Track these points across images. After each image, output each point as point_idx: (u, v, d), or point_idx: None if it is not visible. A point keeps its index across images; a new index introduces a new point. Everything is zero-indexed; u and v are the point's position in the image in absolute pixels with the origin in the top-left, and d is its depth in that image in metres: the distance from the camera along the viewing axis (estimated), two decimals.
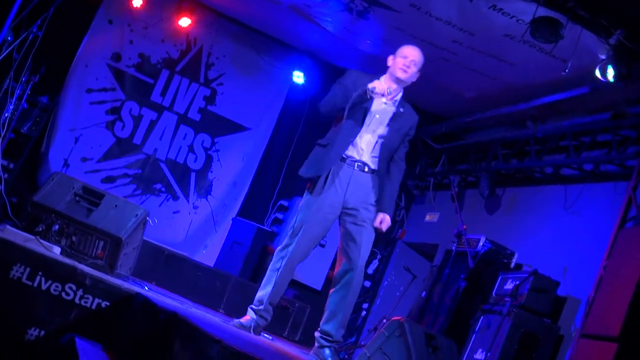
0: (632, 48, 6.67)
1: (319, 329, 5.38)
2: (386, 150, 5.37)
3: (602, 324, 6.13)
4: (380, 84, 5.26)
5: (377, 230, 5.38)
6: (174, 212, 10.55)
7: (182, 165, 10.65)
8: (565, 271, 7.71)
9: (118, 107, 10.32)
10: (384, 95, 5.23)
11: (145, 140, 10.45)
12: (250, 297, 8.19)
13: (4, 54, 7.31)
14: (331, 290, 5.40)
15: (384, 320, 9.13)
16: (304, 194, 5.44)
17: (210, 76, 10.75)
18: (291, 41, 10.70)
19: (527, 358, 6.91)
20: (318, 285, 10.68)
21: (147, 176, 10.45)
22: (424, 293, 8.79)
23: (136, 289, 4.58)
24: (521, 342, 6.96)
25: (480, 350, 7.21)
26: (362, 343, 10.18)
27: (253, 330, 5.29)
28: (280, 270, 5.32)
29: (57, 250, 5.06)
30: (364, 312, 11.41)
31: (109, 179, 10.24)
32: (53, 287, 4.17)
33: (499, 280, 7.71)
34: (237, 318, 5.41)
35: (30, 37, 7.65)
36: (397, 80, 5.36)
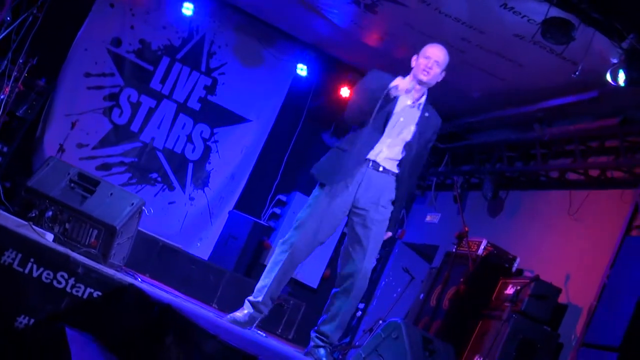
0: None
1: (316, 328, 5.37)
2: (408, 155, 5.27)
3: (603, 333, 6.14)
4: (403, 82, 5.12)
5: None
6: (169, 203, 10.54)
7: (180, 155, 10.64)
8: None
9: (116, 94, 10.31)
10: (408, 92, 5.12)
11: (142, 128, 10.44)
12: (245, 293, 8.18)
13: (3, 34, 7.30)
14: (333, 291, 5.36)
15: (380, 322, 9.14)
16: (316, 188, 5.36)
17: (212, 65, 10.74)
18: (296, 33, 10.68)
19: None
20: (314, 283, 10.69)
21: (144, 165, 10.45)
22: (422, 295, 8.78)
23: (129, 279, 4.57)
24: (519, 349, 6.96)
25: (477, 355, 7.22)
26: (357, 344, 10.18)
27: (248, 324, 5.27)
28: (282, 263, 5.25)
29: (50, 237, 5.05)
30: (359, 312, 11.40)
31: (104, 167, 10.23)
32: (44, 274, 4.15)
33: (499, 285, 7.71)
34: (232, 312, 5.39)
35: (30, 19, 7.63)
36: (420, 82, 5.21)
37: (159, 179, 10.52)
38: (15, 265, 4.10)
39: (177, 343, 3.44)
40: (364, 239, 5.24)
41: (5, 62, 7.66)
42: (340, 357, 9.04)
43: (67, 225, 5.35)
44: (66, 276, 4.18)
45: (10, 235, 4.16)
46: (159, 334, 3.58)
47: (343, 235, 9.79)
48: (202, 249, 10.31)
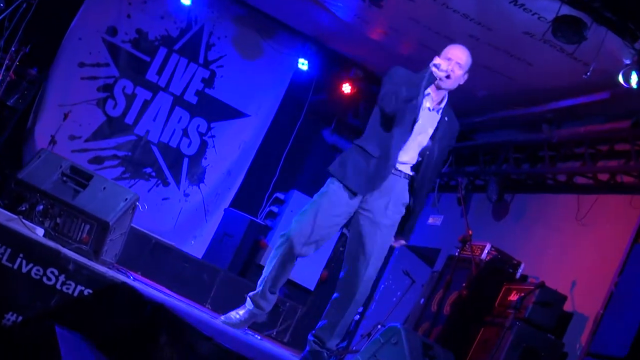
0: None
1: (314, 332, 5.35)
2: (427, 160, 5.22)
3: (609, 343, 6.14)
4: (444, 60, 5.02)
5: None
6: (163, 199, 10.54)
7: (175, 149, 10.64)
8: None
9: (111, 85, 10.30)
10: (448, 76, 5.01)
11: (137, 121, 10.43)
12: (240, 293, 8.17)
13: None
14: (334, 296, 5.34)
15: (379, 326, 9.14)
16: (330, 181, 5.27)
17: (210, 57, 10.73)
18: (297, 25, 10.67)
19: None
20: (311, 285, 10.68)
21: (138, 159, 10.44)
22: (422, 300, 8.79)
23: (121, 277, 4.57)
24: (522, 358, 6.98)
25: None
26: (354, 348, 10.18)
27: (245, 323, 5.23)
28: (280, 252, 5.22)
29: (40, 231, 5.04)
30: (357, 316, 11.40)
31: (97, 160, 10.22)
32: (34, 270, 4.16)
33: (502, 291, 7.71)
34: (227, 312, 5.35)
35: (24, 6, 7.62)
36: (440, 86, 5.12)
37: (153, 173, 10.51)
38: (4, 261, 4.11)
39: (170, 344, 3.44)
40: (369, 244, 5.18)
41: None
42: None
43: (58, 220, 5.34)
44: (56, 273, 4.19)
45: None
46: (151, 335, 3.59)
47: (342, 236, 9.87)
48: (196, 247, 10.31)
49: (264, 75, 10.90)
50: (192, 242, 10.45)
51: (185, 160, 10.69)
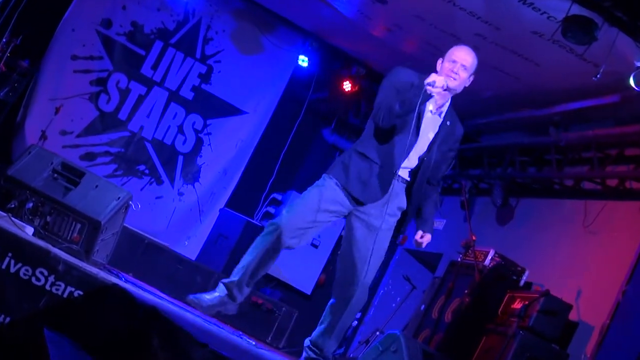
0: None
1: (310, 338, 5.36)
2: (425, 164, 5.20)
3: (615, 354, 6.15)
4: (439, 77, 4.96)
5: (415, 244, 5.31)
6: (156, 198, 10.53)
7: (170, 146, 10.63)
8: None
9: (104, 78, 10.29)
10: (445, 89, 4.98)
11: (131, 117, 10.42)
12: None
13: None
14: (330, 302, 5.33)
15: (378, 333, 9.16)
16: (325, 176, 5.28)
17: (208, 52, 10.73)
18: (298, 21, 10.67)
19: None
20: (308, 289, 10.69)
21: (131, 156, 10.43)
22: (423, 306, 8.80)
23: (113, 279, 4.57)
24: None
25: None
26: (352, 355, 10.20)
27: (213, 308, 5.19)
28: (267, 241, 5.21)
29: (29, 230, 5.04)
30: (355, 322, 11.41)
31: (89, 156, 10.21)
32: (23, 270, 4.15)
33: (506, 299, 7.72)
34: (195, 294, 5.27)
35: None
36: (445, 88, 5.03)
37: (147, 171, 10.51)
38: None
39: (162, 348, 3.44)
40: (364, 249, 5.18)
41: None
42: None
43: (48, 218, 5.34)
44: (46, 273, 4.18)
45: None
46: (143, 339, 3.59)
47: (340, 239, 9.88)
48: (190, 248, 10.30)
49: (263, 71, 10.89)
50: (186, 242, 10.45)
51: (180, 158, 10.68)
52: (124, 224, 6.13)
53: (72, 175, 5.61)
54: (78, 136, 10.17)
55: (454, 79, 5.05)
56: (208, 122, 10.76)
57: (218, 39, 10.75)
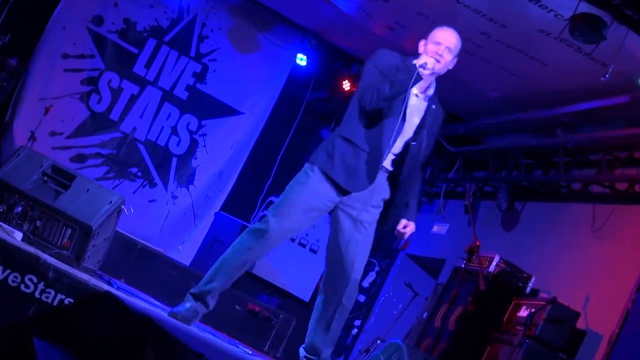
0: None
1: (304, 345, 5.34)
2: (410, 151, 5.18)
3: None
4: (430, 59, 4.95)
5: (398, 235, 5.25)
6: (149, 201, 10.54)
7: (163, 148, 10.63)
8: None
9: (96, 78, 10.30)
10: (434, 71, 4.98)
11: (123, 117, 10.43)
12: (229, 303, 8.22)
13: None
14: (319, 300, 5.29)
15: (378, 342, 9.16)
16: (300, 173, 5.24)
17: (203, 50, 10.73)
18: (297, 19, 10.68)
19: None
20: (306, 296, 10.69)
21: (123, 158, 10.44)
22: (425, 314, 8.80)
23: (105, 286, 4.56)
24: None
25: None
26: None
27: (192, 320, 5.12)
28: (253, 248, 5.10)
29: (18, 235, 5.04)
30: (355, 330, 11.42)
31: (79, 158, 10.22)
32: (11, 277, 4.14)
33: (511, 306, 7.72)
34: (173, 308, 5.20)
35: None
36: (430, 72, 5.01)
37: (139, 174, 10.51)
38: None
39: (157, 358, 3.44)
40: (352, 244, 5.14)
41: None
42: None
43: (38, 223, 5.33)
44: (35, 280, 4.17)
45: None
46: (136, 349, 3.58)
47: None
48: (184, 254, 10.31)
49: (260, 70, 10.90)
50: (180, 248, 10.45)
51: (174, 160, 10.68)
52: (116, 229, 6.13)
53: (62, 179, 5.60)
54: (68, 137, 10.18)
55: (439, 61, 5.03)
56: (203, 122, 10.76)
57: (213, 37, 10.76)
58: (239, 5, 10.72)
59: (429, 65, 4.91)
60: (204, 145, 10.77)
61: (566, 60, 7.83)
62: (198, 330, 4.42)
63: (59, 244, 5.34)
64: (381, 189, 5.21)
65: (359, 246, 5.16)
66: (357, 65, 10.87)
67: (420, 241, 11.31)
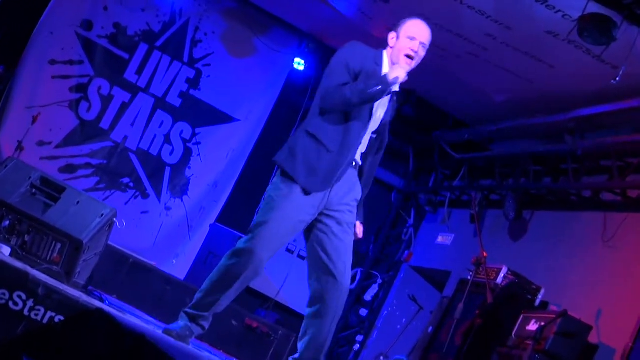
0: None
1: (295, 356, 5.27)
2: (374, 145, 5.16)
3: None
4: (402, 70, 4.81)
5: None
6: (142, 213, 10.53)
7: (156, 157, 10.64)
8: None
9: (85, 84, 10.31)
10: (412, 57, 4.88)
11: (114, 126, 10.44)
12: (226, 320, 8.21)
13: None
14: (309, 311, 5.21)
15: (382, 358, 9.15)
16: (278, 179, 5.04)
17: (196, 55, 10.75)
18: (294, 22, 10.70)
19: None
20: (305, 310, 10.65)
21: (114, 168, 10.44)
22: (430, 328, 8.79)
23: (96, 303, 4.56)
24: None
25: None
26: None
27: (187, 339, 5.10)
28: (243, 271, 4.98)
29: (6, 250, 5.04)
30: (357, 346, 11.40)
31: (69, 168, 10.22)
32: None
33: (520, 320, 7.71)
34: (168, 325, 5.17)
35: None
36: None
37: (131, 184, 10.51)
38: None
39: None
40: (341, 248, 5.03)
41: None
42: None
43: (26, 238, 5.33)
44: (24, 297, 4.16)
45: None
46: None
47: None
48: (178, 267, 10.30)
49: (256, 75, 10.92)
50: (174, 261, 10.44)
51: (167, 170, 10.69)
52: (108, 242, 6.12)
53: (51, 191, 5.59)
54: (57, 147, 10.18)
55: (413, 58, 4.92)
56: (197, 130, 10.77)
57: (207, 41, 10.77)
58: (234, 7, 10.74)
59: (402, 79, 4.82)
60: (198, 154, 10.77)
61: (575, 63, 7.84)
62: (194, 348, 4.41)
63: (48, 259, 5.33)
64: (356, 188, 5.13)
65: (347, 250, 5.06)
66: None
67: (425, 252, 11.31)
